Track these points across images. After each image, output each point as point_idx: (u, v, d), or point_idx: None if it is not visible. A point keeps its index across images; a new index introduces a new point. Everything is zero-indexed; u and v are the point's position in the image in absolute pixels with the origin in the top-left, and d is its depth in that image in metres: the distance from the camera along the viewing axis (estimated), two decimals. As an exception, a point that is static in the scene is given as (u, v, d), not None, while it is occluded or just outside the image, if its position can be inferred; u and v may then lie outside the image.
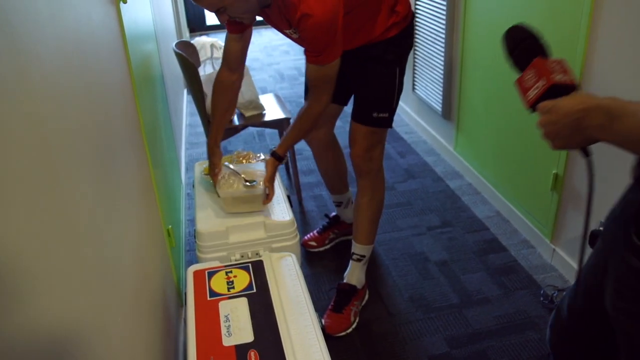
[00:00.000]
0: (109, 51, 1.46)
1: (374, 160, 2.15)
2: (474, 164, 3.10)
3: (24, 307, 0.61)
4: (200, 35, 5.17)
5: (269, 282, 1.64)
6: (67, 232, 0.81)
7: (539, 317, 2.17)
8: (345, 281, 2.27)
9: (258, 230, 1.97)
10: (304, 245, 2.63)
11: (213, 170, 2.09)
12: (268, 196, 1.99)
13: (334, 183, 2.58)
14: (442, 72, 3.27)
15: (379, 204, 2.23)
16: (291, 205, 2.17)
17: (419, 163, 3.39)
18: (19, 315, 0.59)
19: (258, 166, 2.12)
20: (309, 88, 1.95)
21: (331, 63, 1.80)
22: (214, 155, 2.10)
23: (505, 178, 2.78)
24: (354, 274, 2.27)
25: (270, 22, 1.91)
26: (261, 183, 2.00)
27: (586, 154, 0.96)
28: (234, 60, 2.06)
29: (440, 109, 3.35)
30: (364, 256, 2.26)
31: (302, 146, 3.67)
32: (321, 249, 2.63)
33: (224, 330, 1.45)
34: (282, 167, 3.33)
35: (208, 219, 2.01)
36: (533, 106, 0.98)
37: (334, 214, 2.70)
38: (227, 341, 1.41)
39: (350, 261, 2.28)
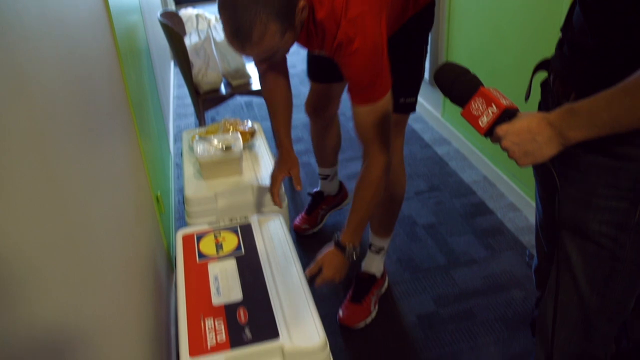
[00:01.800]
0: (93, 22, 1.46)
1: (397, 153, 1.97)
2: (461, 130, 3.12)
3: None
4: (186, 7, 5.13)
5: (256, 243, 1.67)
6: (55, 198, 0.83)
7: (524, 277, 2.22)
8: (363, 270, 2.19)
9: (246, 195, 2.00)
10: (296, 230, 2.56)
11: (279, 182, 1.86)
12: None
13: (326, 157, 2.54)
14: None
15: (400, 198, 2.09)
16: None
17: (407, 130, 3.39)
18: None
19: (232, 135, 2.13)
20: (363, 143, 1.60)
21: (384, 98, 1.52)
22: (290, 161, 1.86)
23: (491, 144, 2.79)
24: (373, 264, 2.18)
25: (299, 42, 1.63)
26: (238, 147, 2.01)
27: (550, 166, 1.05)
28: (277, 63, 1.82)
29: (427, 76, 3.37)
30: (383, 248, 2.16)
31: (290, 116, 3.69)
32: (316, 229, 2.58)
33: (213, 291, 1.48)
34: (270, 136, 3.35)
35: (197, 185, 2.03)
36: (488, 132, 1.05)
37: (315, 189, 2.65)
38: (217, 300, 1.44)
39: (369, 252, 2.19)
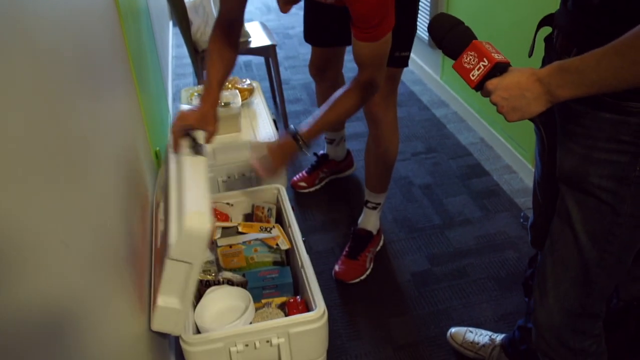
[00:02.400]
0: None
1: (391, 108, 2.02)
2: (459, 93, 3.12)
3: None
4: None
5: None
6: (58, 146, 0.85)
7: (519, 238, 2.25)
8: (359, 227, 2.22)
9: (243, 151, 2.01)
10: (293, 186, 2.60)
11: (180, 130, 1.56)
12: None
13: None
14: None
15: (394, 153, 2.12)
16: (277, 128, 2.21)
17: (405, 92, 3.41)
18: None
19: (231, 93, 2.13)
20: (358, 67, 1.58)
21: (385, 37, 1.51)
22: (207, 123, 1.55)
23: (489, 106, 2.79)
24: (369, 221, 2.22)
25: None
26: (237, 103, 2.00)
27: (538, 123, 1.08)
28: (234, 10, 1.65)
29: (426, 38, 3.35)
30: (379, 204, 2.20)
31: (289, 76, 3.69)
32: (311, 189, 2.60)
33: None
34: (268, 95, 3.36)
35: (195, 142, 2.04)
36: (479, 85, 1.05)
37: (322, 152, 2.66)
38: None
39: (365, 209, 2.22)
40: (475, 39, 1.07)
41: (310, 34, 2.23)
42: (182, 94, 2.40)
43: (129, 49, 1.85)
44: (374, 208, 2.20)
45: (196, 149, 1.47)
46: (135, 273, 1.30)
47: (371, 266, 2.16)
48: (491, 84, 1.02)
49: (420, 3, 3.24)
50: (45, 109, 0.81)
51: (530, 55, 1.29)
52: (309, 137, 1.59)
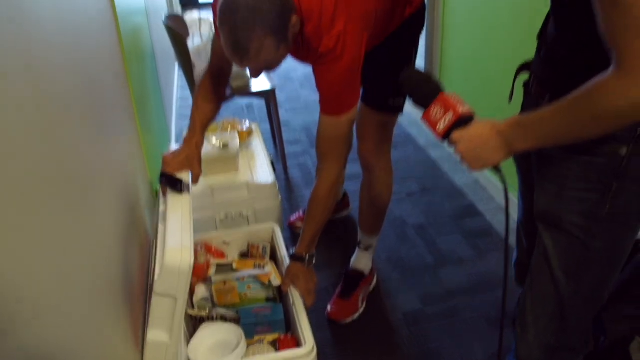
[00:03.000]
0: (100, 21, 1.54)
1: (384, 154, 2.07)
2: (455, 135, 3.20)
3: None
4: (192, 10, 5.23)
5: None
6: (59, 184, 0.92)
7: (509, 278, 2.28)
8: (352, 267, 2.26)
9: (241, 191, 2.08)
10: (290, 226, 2.63)
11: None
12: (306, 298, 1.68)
13: None
14: (424, 47, 3.37)
15: (387, 197, 2.15)
16: (274, 170, 2.28)
17: (402, 134, 3.49)
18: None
19: (230, 134, 2.21)
20: (319, 157, 1.70)
21: (348, 114, 1.60)
22: (192, 166, 1.64)
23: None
24: (361, 261, 2.25)
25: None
26: (235, 145, 2.08)
27: (498, 170, 1.13)
28: (224, 62, 1.73)
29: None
30: (371, 245, 2.25)
31: (289, 118, 3.78)
32: None
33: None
34: (269, 137, 3.45)
35: (194, 181, 2.12)
36: (445, 136, 1.13)
37: None
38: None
39: (357, 249, 2.27)
40: (443, 92, 1.14)
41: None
42: (184, 134, 2.47)
43: (132, 90, 1.94)
44: (367, 249, 2.24)
45: (181, 188, 1.54)
46: (132, 309, 1.35)
47: (363, 306, 2.19)
48: (456, 135, 1.10)
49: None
50: (48, 148, 0.88)
51: (510, 99, 1.37)
52: (306, 251, 1.74)
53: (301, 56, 1.64)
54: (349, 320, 2.13)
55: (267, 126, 3.49)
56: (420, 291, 2.25)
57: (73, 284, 0.90)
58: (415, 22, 1.86)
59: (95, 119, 1.29)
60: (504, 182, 1.14)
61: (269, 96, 3.04)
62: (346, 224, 2.69)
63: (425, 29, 3.27)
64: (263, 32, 1.36)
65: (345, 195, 2.73)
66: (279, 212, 2.18)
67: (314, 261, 1.76)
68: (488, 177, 2.85)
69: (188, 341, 1.54)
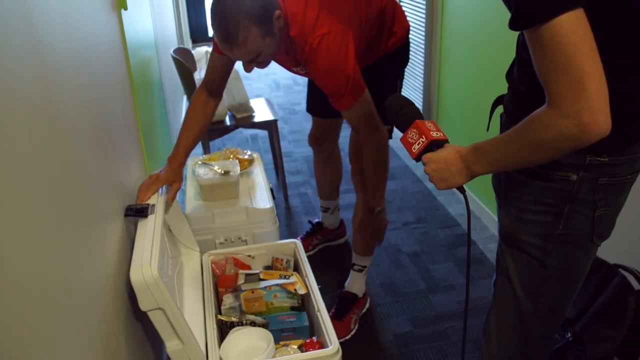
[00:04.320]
0: (111, 55, 1.67)
1: None
2: (451, 167, 3.31)
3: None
4: (202, 45, 5.42)
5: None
6: (68, 203, 1.03)
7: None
8: (346, 289, 2.37)
9: (240, 216, 2.18)
10: None
11: (150, 190, 1.78)
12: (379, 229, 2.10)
13: (327, 190, 2.72)
14: (422, 83, 3.51)
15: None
16: (274, 197, 2.38)
17: (400, 166, 3.60)
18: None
19: (231, 162, 2.33)
20: (363, 134, 1.89)
21: (360, 99, 1.77)
22: (175, 180, 1.85)
23: (477, 179, 2.99)
24: (355, 283, 2.36)
25: (277, 60, 1.93)
26: (235, 172, 2.19)
27: (462, 190, 1.24)
28: (217, 80, 1.95)
29: (421, 116, 3.58)
30: (365, 267, 2.34)
31: (292, 149, 3.91)
32: (306, 254, 2.73)
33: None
34: (271, 166, 3.57)
35: (196, 205, 2.23)
36: (417, 158, 1.24)
37: (316, 220, 2.83)
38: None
39: (351, 271, 2.37)
40: (420, 119, 1.26)
41: (311, 105, 2.49)
42: (188, 161, 2.59)
43: (139, 119, 2.06)
44: (360, 270, 2.34)
45: (146, 213, 1.63)
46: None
47: (356, 327, 2.27)
48: (426, 157, 1.21)
49: (414, 82, 3.51)
50: (60, 169, 0.99)
51: (487, 129, 1.48)
52: (378, 204, 2.02)
53: (293, 61, 1.85)
54: (341, 340, 2.21)
55: (270, 156, 3.62)
56: (412, 315, 2.33)
57: (76, 286, 1.01)
58: (399, 56, 2.08)
59: (105, 142, 1.40)
60: (467, 202, 1.24)
61: (271, 127, 3.16)
62: (343, 251, 2.79)
63: (423, 65, 3.45)
64: (248, 22, 1.57)
65: (342, 222, 2.84)
66: (276, 237, 2.27)
67: (381, 212, 2.04)
68: (481, 207, 2.95)
69: (219, 344, 1.64)
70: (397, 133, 1.41)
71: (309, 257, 2.71)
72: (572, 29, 0.90)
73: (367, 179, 1.99)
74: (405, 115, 1.27)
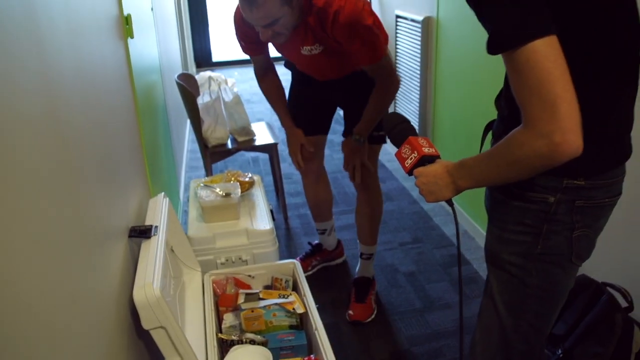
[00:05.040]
0: (117, 79, 1.75)
1: (373, 175, 2.45)
2: (447, 189, 3.38)
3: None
4: (206, 70, 5.53)
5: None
6: (72, 225, 1.10)
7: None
8: (359, 275, 2.62)
9: (241, 237, 2.25)
10: None
11: (298, 152, 2.48)
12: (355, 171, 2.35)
13: (321, 212, 2.79)
14: (417, 107, 3.60)
15: (380, 211, 2.57)
16: (273, 218, 2.46)
17: (397, 187, 3.68)
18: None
19: (232, 184, 2.41)
20: (376, 81, 2.11)
21: (385, 55, 2.01)
22: (296, 135, 2.45)
23: (472, 201, 3.07)
24: (366, 269, 2.62)
25: (286, 46, 2.14)
26: (236, 194, 2.28)
27: (450, 204, 1.30)
28: (263, 67, 2.39)
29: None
30: (372, 254, 2.61)
31: (290, 170, 3.98)
32: (305, 274, 2.80)
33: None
34: (272, 188, 3.64)
35: (198, 227, 2.30)
36: (409, 172, 1.32)
37: (316, 242, 2.90)
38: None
39: (360, 260, 2.62)
40: (413, 135, 1.34)
41: (300, 122, 2.51)
42: (191, 184, 2.67)
43: (144, 141, 2.14)
44: (368, 258, 2.61)
45: (150, 234, 1.69)
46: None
47: (376, 307, 2.54)
48: (417, 171, 1.29)
49: (410, 106, 3.59)
50: (66, 191, 1.07)
51: (480, 151, 1.55)
52: (359, 132, 2.22)
53: (312, 38, 2.02)
54: (369, 319, 2.48)
55: (271, 178, 3.70)
56: (408, 333, 2.39)
57: (81, 306, 1.08)
58: None
59: (109, 165, 1.48)
60: (454, 215, 1.31)
61: (271, 150, 3.25)
62: (340, 271, 2.87)
63: (419, 90, 3.53)
64: None
65: (339, 243, 2.91)
66: (276, 257, 2.34)
67: (361, 142, 2.24)
68: (476, 228, 3.02)
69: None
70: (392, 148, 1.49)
71: (307, 277, 2.80)
72: (545, 54, 0.98)
73: (366, 112, 2.18)
74: (400, 132, 1.36)
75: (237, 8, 2.08)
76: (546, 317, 1.36)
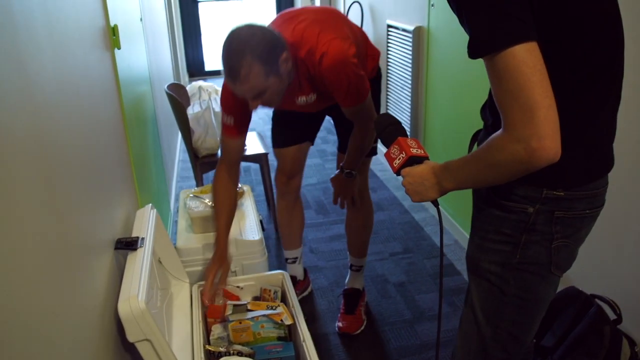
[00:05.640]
0: (102, 90, 1.74)
1: (364, 188, 2.43)
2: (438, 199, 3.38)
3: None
4: (198, 80, 5.53)
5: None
6: (58, 242, 1.09)
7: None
8: (348, 287, 2.60)
9: (230, 248, 2.24)
10: None
11: (210, 284, 1.96)
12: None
13: (293, 239, 2.64)
14: (409, 115, 3.61)
15: (371, 223, 2.55)
16: (263, 229, 2.45)
17: (388, 197, 3.68)
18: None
19: None
20: (355, 123, 2.06)
21: (366, 99, 1.95)
22: (221, 261, 2.02)
23: (462, 211, 3.07)
24: (356, 280, 2.60)
25: (285, 104, 2.04)
26: None
27: (436, 204, 1.32)
28: (233, 160, 2.10)
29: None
30: (362, 266, 2.59)
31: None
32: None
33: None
34: (263, 198, 3.63)
35: (187, 237, 2.29)
36: (397, 172, 1.33)
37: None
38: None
39: (350, 272, 2.61)
40: (403, 136, 1.35)
41: (279, 137, 2.42)
42: (180, 194, 2.67)
43: (131, 152, 2.13)
44: (358, 270, 2.59)
45: (136, 246, 1.67)
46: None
47: (365, 319, 2.51)
48: (404, 171, 1.29)
49: (402, 115, 3.61)
50: (50, 203, 1.06)
51: None
52: (349, 167, 2.16)
53: (305, 89, 1.97)
54: (359, 332, 2.45)
55: (260, 187, 3.69)
56: (397, 344, 2.38)
57: (69, 324, 1.07)
58: (374, 86, 2.17)
59: (95, 180, 1.47)
60: (439, 216, 1.32)
61: (262, 160, 3.24)
62: (328, 281, 2.85)
63: (410, 98, 3.54)
64: (251, 59, 1.66)
65: (305, 271, 2.78)
66: (265, 268, 2.33)
67: (352, 175, 2.17)
68: (466, 238, 3.00)
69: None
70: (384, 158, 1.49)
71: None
72: (524, 60, 0.99)
73: (350, 150, 2.13)
74: (390, 133, 1.37)
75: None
76: (525, 326, 1.35)
